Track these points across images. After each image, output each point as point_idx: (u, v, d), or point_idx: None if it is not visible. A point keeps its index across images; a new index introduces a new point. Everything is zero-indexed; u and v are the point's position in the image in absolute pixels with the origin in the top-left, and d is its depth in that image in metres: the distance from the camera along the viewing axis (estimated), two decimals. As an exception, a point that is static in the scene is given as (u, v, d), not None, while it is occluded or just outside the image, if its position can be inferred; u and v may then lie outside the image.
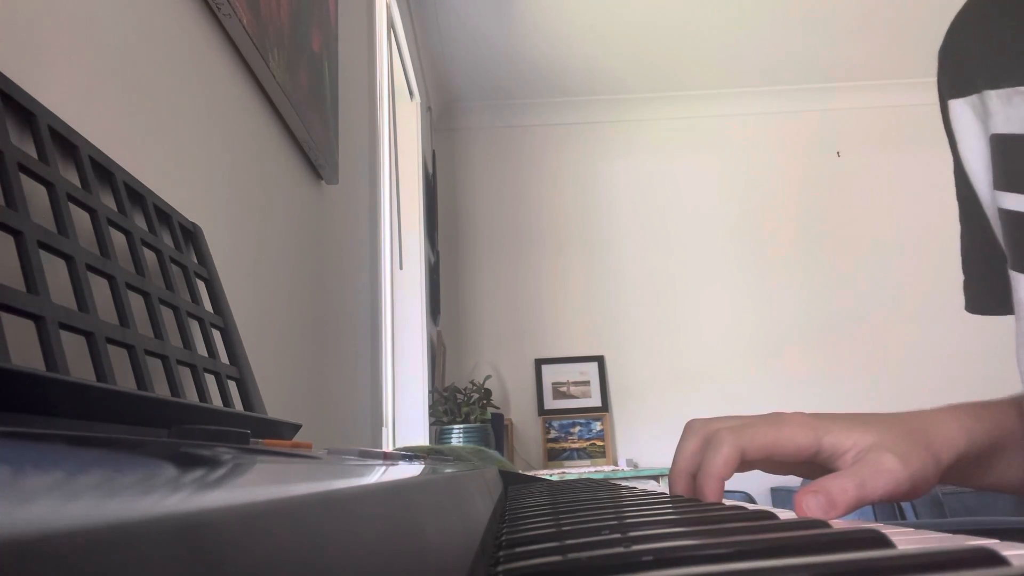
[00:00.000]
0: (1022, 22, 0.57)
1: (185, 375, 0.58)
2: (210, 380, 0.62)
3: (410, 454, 0.73)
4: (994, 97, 0.57)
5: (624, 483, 0.88)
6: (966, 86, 0.61)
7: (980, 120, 0.59)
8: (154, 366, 0.53)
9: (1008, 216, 0.56)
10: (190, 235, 0.70)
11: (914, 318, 3.63)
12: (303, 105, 1.15)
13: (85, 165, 0.51)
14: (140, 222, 0.59)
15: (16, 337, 0.39)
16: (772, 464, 0.53)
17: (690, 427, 0.54)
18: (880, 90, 3.90)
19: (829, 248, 3.76)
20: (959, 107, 0.61)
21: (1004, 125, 0.56)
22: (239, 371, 0.68)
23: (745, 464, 0.51)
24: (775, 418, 0.51)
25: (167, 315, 0.58)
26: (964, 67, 0.61)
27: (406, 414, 2.66)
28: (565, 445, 3.55)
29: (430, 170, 3.32)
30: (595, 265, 3.76)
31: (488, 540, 0.28)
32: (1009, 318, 0.61)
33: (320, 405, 1.26)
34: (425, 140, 3.23)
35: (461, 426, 2.77)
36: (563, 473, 3.09)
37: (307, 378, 1.19)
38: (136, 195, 0.59)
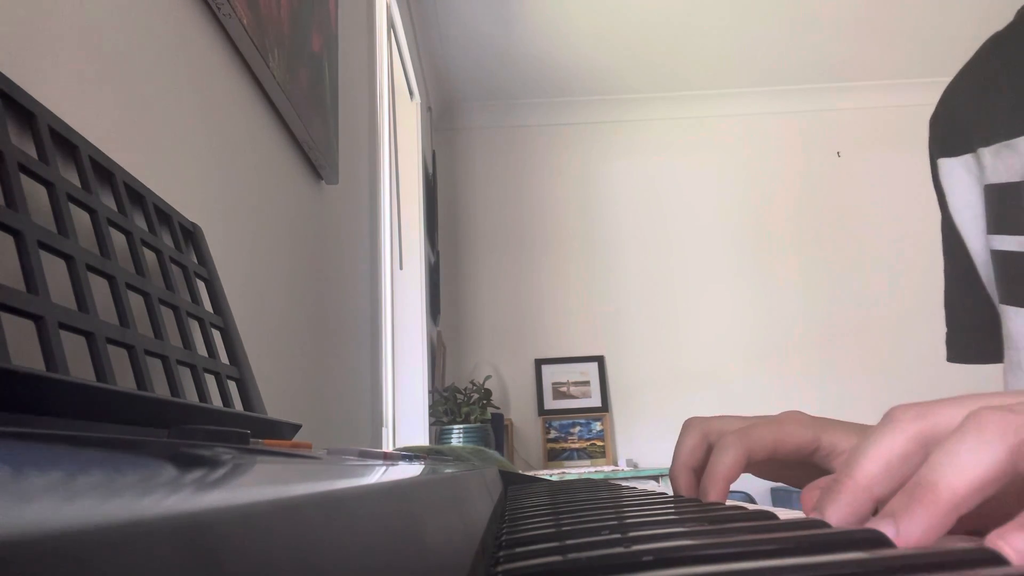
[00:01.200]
0: (1009, 87, 0.63)
1: (185, 375, 0.58)
2: (210, 380, 0.62)
3: (410, 454, 0.73)
4: (987, 154, 0.63)
5: (624, 483, 0.88)
6: (959, 146, 0.67)
7: (973, 176, 0.65)
8: (154, 366, 0.53)
9: (999, 256, 0.62)
10: (190, 235, 0.70)
11: (914, 318, 3.63)
12: (303, 105, 1.15)
13: (85, 165, 0.51)
14: (140, 222, 0.59)
15: (16, 337, 0.39)
16: (772, 465, 0.54)
17: (689, 424, 0.55)
18: (880, 90, 3.90)
19: (829, 248, 3.76)
20: (949, 165, 0.67)
21: (994, 176, 0.62)
22: (239, 371, 0.68)
23: (747, 466, 0.52)
24: (774, 418, 0.52)
25: (167, 315, 0.58)
26: (957, 129, 0.67)
27: (406, 414, 2.66)
28: (565, 445, 3.55)
29: (430, 170, 3.32)
30: (595, 265, 3.77)
31: (488, 540, 0.28)
32: None
33: (320, 405, 1.26)
34: (425, 140, 3.23)
35: (461, 426, 2.77)
36: (563, 473, 3.10)
37: (307, 378, 1.19)
38: (136, 195, 0.59)
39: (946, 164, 0.67)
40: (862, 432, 0.51)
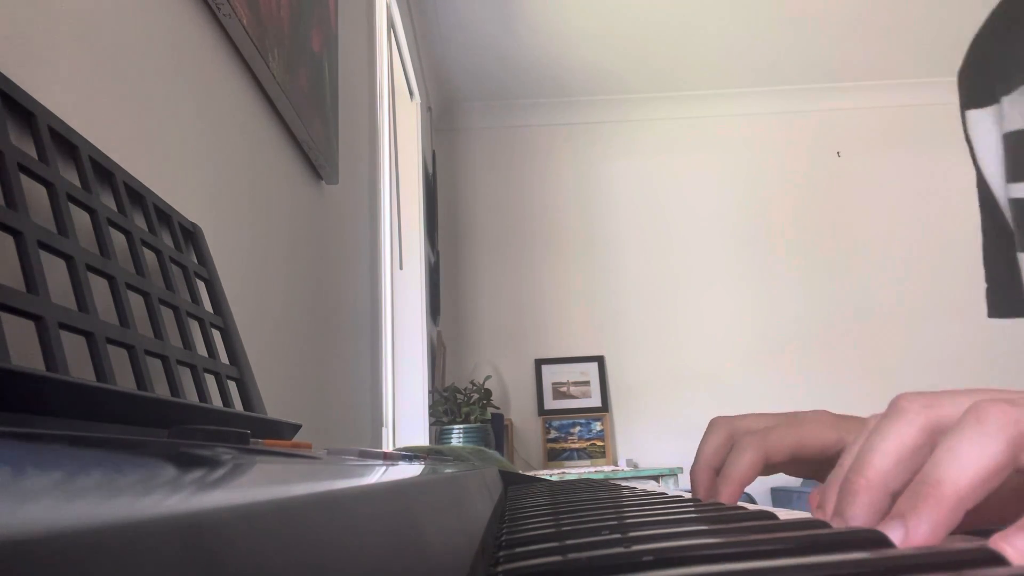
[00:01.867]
0: None
1: (185, 375, 0.58)
2: (210, 380, 0.62)
3: (410, 454, 0.73)
4: (1007, 102, 0.62)
5: (624, 483, 0.88)
6: (985, 97, 0.66)
7: (998, 126, 0.65)
8: (154, 366, 0.53)
9: (1016, 204, 0.61)
10: (190, 235, 0.70)
11: (914, 318, 3.63)
12: (303, 105, 1.15)
13: (85, 165, 0.51)
14: (140, 222, 0.59)
15: (16, 337, 0.39)
16: (795, 465, 0.53)
17: (715, 424, 0.55)
18: (880, 90, 3.90)
19: (829, 248, 3.76)
20: (976, 116, 0.67)
21: (1012, 123, 0.62)
22: (239, 371, 0.68)
23: (769, 468, 0.51)
24: (797, 418, 0.51)
25: (167, 315, 0.58)
26: (983, 81, 0.67)
27: (406, 414, 2.66)
28: (565, 445, 3.55)
29: (430, 170, 3.32)
30: (595, 265, 3.77)
31: (488, 540, 0.28)
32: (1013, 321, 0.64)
33: (320, 405, 1.26)
34: (425, 140, 3.23)
35: (461, 426, 2.77)
36: (563, 473, 3.09)
37: (307, 378, 1.19)
38: (136, 195, 0.59)
39: (973, 115, 0.67)
40: None
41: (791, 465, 0.53)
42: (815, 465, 0.53)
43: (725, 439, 0.53)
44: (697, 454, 0.54)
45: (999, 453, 0.24)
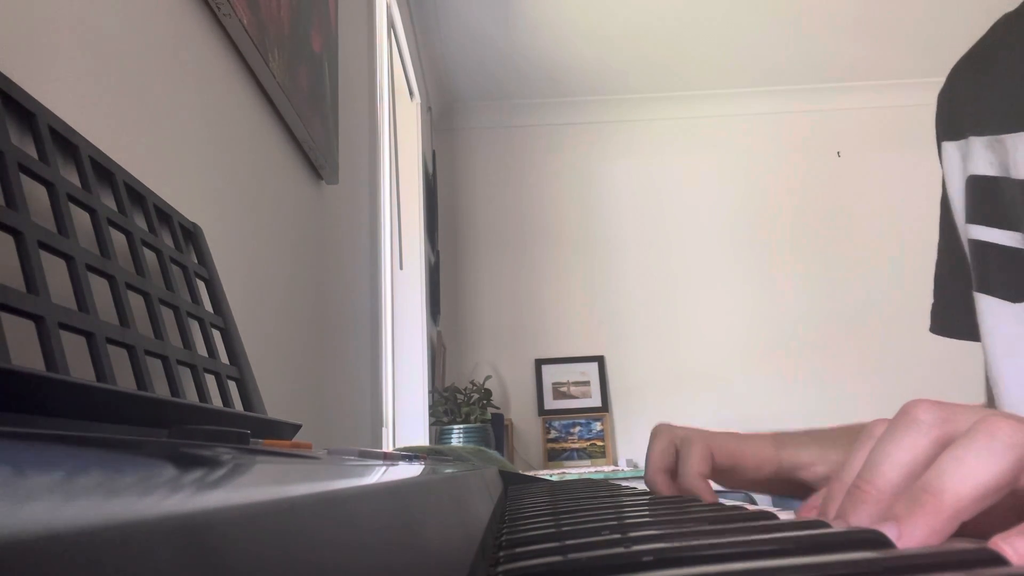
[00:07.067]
0: (1008, 78, 0.62)
1: (185, 375, 0.58)
2: (210, 380, 0.62)
3: (410, 454, 0.73)
4: (977, 143, 0.63)
5: (624, 483, 0.88)
6: (956, 131, 0.67)
7: (964, 162, 0.65)
8: (154, 366, 0.53)
9: (975, 245, 0.63)
10: (190, 235, 0.70)
11: (914, 318, 3.62)
12: (303, 105, 1.15)
13: (85, 165, 0.51)
14: (140, 222, 0.59)
15: (16, 337, 0.39)
16: (735, 475, 0.58)
17: (657, 430, 0.62)
18: (880, 90, 3.90)
19: (829, 248, 3.76)
20: (949, 149, 0.68)
21: (980, 167, 0.62)
22: (239, 371, 0.68)
23: (714, 471, 0.56)
24: (736, 433, 0.58)
25: (167, 315, 0.58)
26: (956, 114, 0.68)
27: (406, 414, 2.66)
28: (565, 445, 3.55)
29: (430, 170, 3.31)
30: (595, 265, 3.76)
31: (488, 540, 0.28)
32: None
33: (320, 405, 1.26)
34: (425, 140, 3.22)
35: (461, 426, 2.77)
36: (563, 473, 3.09)
37: (307, 378, 1.19)
38: (136, 195, 0.59)
39: (947, 148, 0.68)
40: (819, 442, 0.56)
41: (730, 473, 0.58)
42: (751, 477, 0.58)
43: (668, 443, 0.58)
44: (646, 461, 0.59)
45: (1004, 471, 0.24)
